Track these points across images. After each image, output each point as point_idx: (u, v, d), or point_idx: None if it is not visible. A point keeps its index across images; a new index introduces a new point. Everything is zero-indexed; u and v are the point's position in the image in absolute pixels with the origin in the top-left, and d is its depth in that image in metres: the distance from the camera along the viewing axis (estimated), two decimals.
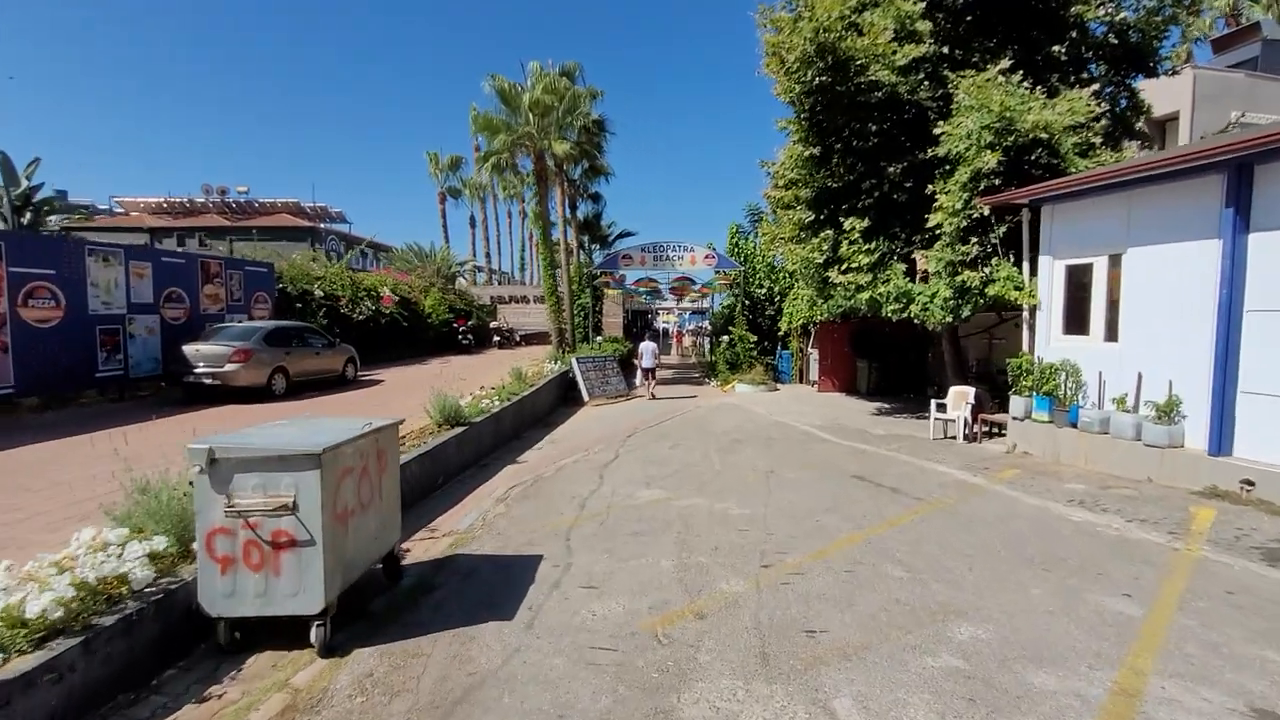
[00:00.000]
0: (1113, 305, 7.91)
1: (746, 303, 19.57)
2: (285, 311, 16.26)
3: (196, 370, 10.74)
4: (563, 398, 15.55)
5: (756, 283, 20.29)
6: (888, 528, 5.85)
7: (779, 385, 18.46)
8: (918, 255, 10.88)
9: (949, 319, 10.17)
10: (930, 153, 10.23)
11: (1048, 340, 8.81)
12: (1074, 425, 8.08)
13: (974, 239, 9.32)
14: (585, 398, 15.33)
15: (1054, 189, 8.25)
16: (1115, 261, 7.82)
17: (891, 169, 10.74)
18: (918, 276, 11.05)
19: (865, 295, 11.35)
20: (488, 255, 40.89)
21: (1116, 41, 10.88)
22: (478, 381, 13.26)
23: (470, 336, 25.87)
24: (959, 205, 9.28)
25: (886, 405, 14.76)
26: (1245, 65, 18.43)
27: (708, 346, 32.85)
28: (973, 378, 13.37)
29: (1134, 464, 7.29)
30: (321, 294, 17.38)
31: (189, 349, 10.90)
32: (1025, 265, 9.21)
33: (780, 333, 19.15)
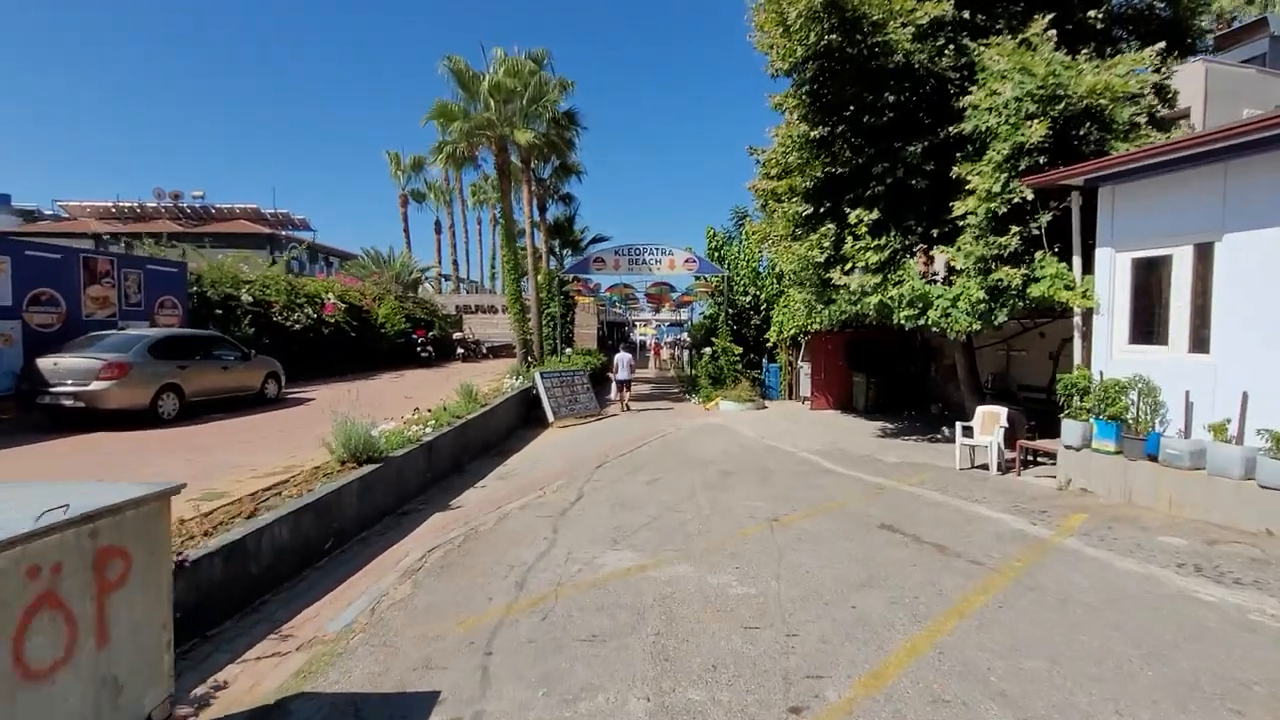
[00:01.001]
0: (1200, 307, 6.32)
1: (730, 311, 17.88)
2: (203, 319, 14.08)
3: (54, 389, 8.57)
4: (524, 418, 13.62)
5: (740, 289, 18.63)
6: (957, 619, 4.06)
7: (767, 402, 16.75)
8: (938, 251, 9.27)
9: (977, 326, 8.54)
10: (954, 130, 8.66)
11: (1109, 352, 7.19)
12: (1152, 458, 6.43)
13: (1015, 227, 7.70)
14: (550, 418, 13.42)
15: (1119, 163, 6.66)
16: (1204, 252, 6.23)
17: (911, 148, 9.12)
18: (925, 278, 9.45)
19: (873, 299, 9.70)
20: (455, 263, 38.73)
21: (1163, 3, 9.47)
22: (427, 399, 11.30)
23: (430, 349, 23.72)
24: (996, 188, 7.67)
25: (890, 425, 13.11)
26: (1253, 63, 17.49)
27: (687, 360, 31.16)
28: (989, 395, 11.80)
29: (1245, 511, 5.64)
30: (250, 299, 15.21)
31: (46, 362, 8.71)
32: (1076, 260, 7.61)
33: (768, 344, 17.48)
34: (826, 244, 10.43)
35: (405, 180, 33.05)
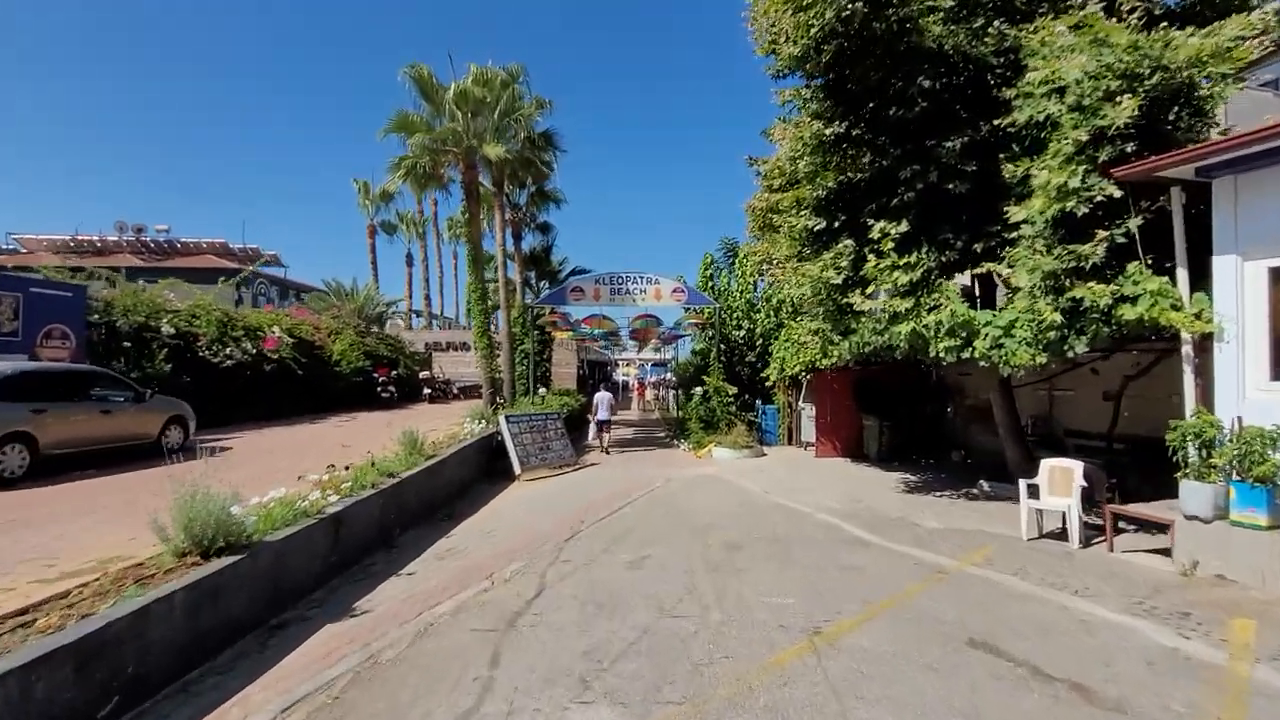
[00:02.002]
0: None
1: (723, 347, 16.15)
2: (110, 353, 12.00)
3: None
4: (487, 470, 11.59)
5: (734, 323, 16.97)
6: None
7: (765, 449, 14.88)
8: (984, 269, 7.66)
9: (1041, 359, 6.82)
10: (1003, 121, 7.16)
11: (1239, 390, 5.48)
12: None
13: (1100, 232, 6.07)
14: (516, 469, 11.39)
15: (1251, 142, 5.11)
16: None
17: (949, 144, 7.58)
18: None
19: (904, 327, 7.98)
20: (427, 298, 36.83)
21: None
22: (366, 448, 9.30)
23: (392, 389, 21.62)
24: (1073, 182, 6.06)
25: (912, 477, 11.29)
26: (1268, 88, 16.75)
27: (673, 401, 29.29)
28: (1034, 443, 10.09)
29: None
30: (172, 331, 13.14)
31: None
32: (1181, 273, 5.98)
33: (768, 383, 15.70)
34: (844, 263, 8.79)
35: (374, 210, 31.38)
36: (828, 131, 8.30)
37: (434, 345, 29.50)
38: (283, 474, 7.29)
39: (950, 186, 7.78)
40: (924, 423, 14.07)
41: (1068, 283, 6.39)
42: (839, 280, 8.81)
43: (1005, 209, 7.01)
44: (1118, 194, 6.00)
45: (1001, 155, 7.52)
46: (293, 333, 17.89)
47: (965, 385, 13.64)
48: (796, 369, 13.24)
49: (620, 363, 50.89)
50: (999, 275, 7.44)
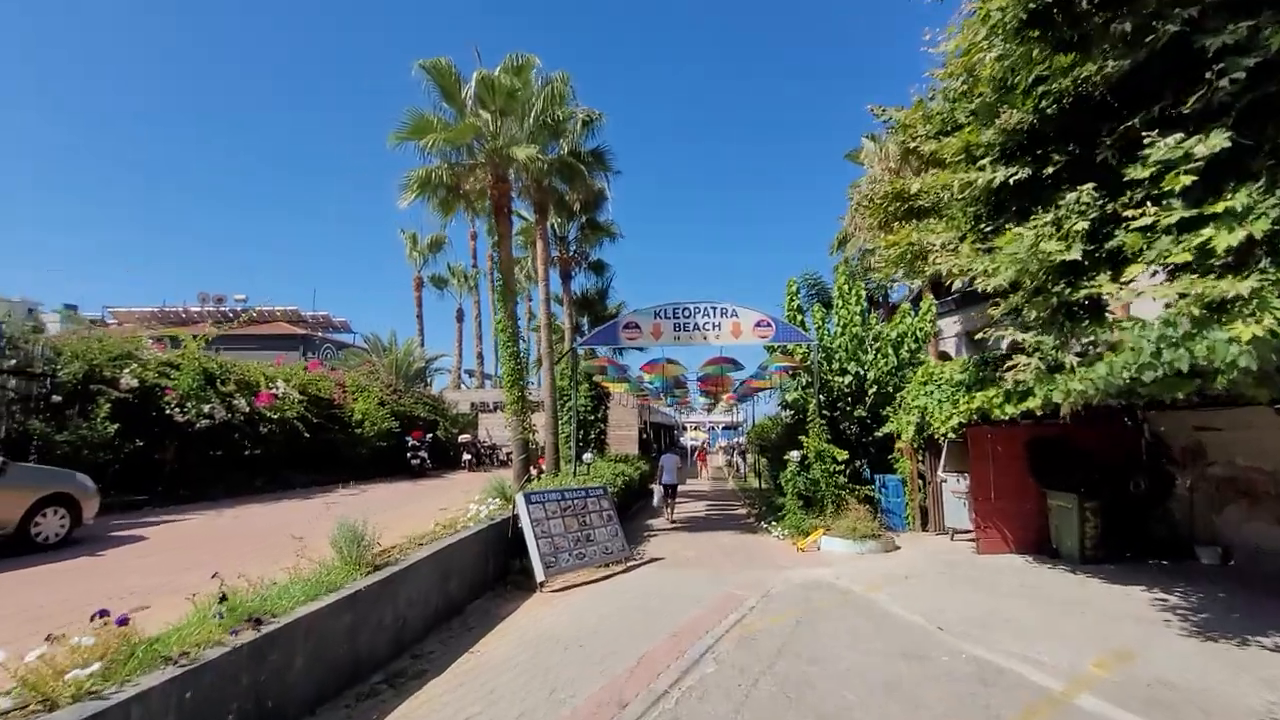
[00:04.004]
0: None
1: (822, 398, 12.16)
2: (40, 408, 9.53)
3: None
4: (498, 573, 8.02)
5: (837, 368, 13.02)
6: None
7: (895, 537, 10.57)
8: None
9: None
10: None
11: None
12: None
13: None
14: (539, 575, 7.73)
15: None
16: None
17: None
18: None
19: (1241, 332, 4.03)
20: (480, 356, 34.48)
21: None
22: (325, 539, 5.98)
23: (423, 455, 18.69)
24: None
25: (1169, 599, 6.85)
26: None
27: (751, 468, 25.00)
28: None
29: None
30: (135, 383, 10.64)
31: None
32: None
33: (896, 444, 11.54)
34: (1077, 227, 5.00)
35: (423, 262, 29.85)
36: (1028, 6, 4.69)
37: (481, 406, 26.79)
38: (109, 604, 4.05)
39: None
40: (1136, 502, 9.51)
41: None
42: (1070, 255, 4.98)
43: None
44: None
45: None
46: (306, 389, 15.34)
47: (1206, 445, 9.08)
48: (949, 423, 9.09)
49: (688, 426, 46.84)
50: None
